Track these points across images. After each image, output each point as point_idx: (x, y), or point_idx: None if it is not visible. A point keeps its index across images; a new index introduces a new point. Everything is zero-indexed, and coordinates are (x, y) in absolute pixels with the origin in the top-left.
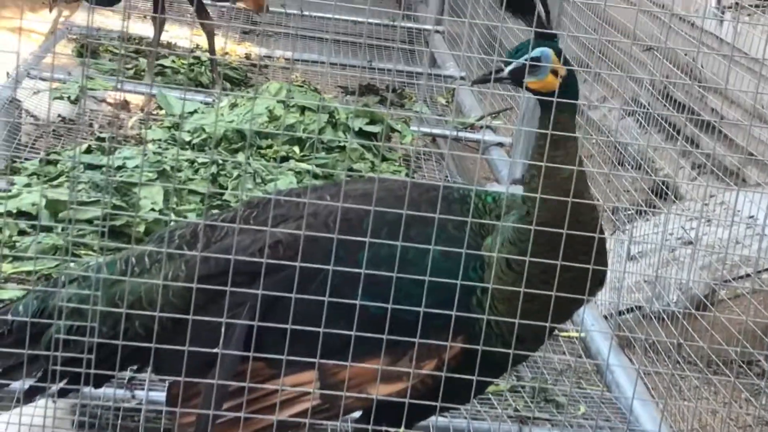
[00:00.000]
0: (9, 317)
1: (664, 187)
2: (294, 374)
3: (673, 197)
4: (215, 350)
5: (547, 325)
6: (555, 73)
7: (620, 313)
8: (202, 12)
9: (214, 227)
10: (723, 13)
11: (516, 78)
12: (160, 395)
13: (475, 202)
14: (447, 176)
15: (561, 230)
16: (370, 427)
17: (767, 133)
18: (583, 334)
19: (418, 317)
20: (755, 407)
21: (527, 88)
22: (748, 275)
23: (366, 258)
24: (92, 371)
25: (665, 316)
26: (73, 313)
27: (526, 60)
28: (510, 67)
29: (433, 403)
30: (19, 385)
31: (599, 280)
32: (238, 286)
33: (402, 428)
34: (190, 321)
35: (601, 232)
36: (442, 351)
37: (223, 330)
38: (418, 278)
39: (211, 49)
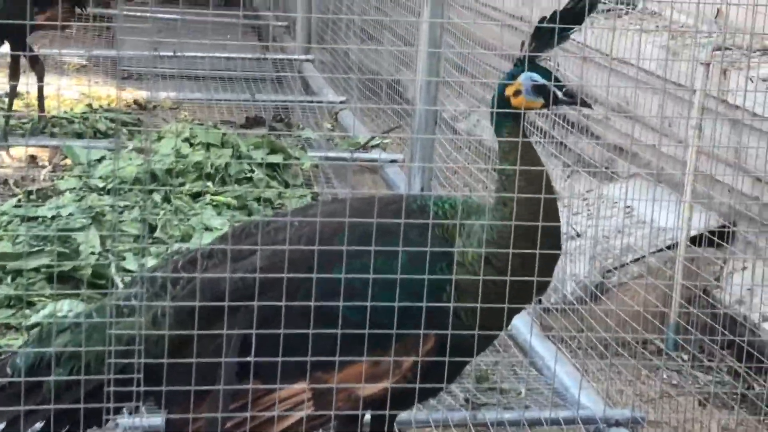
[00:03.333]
0: (8, 370)
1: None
2: (288, 386)
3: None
4: (217, 360)
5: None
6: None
7: None
8: (34, 61)
9: (193, 263)
10: None
11: None
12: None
13: (434, 210)
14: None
15: (536, 223)
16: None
17: (627, 126)
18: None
19: (395, 318)
20: (656, 382)
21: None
22: (635, 260)
23: (341, 271)
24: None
25: (564, 307)
26: (71, 358)
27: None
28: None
29: (418, 386)
30: None
31: (556, 261)
32: (228, 313)
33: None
34: (195, 338)
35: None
36: (418, 345)
37: (225, 345)
38: (390, 285)
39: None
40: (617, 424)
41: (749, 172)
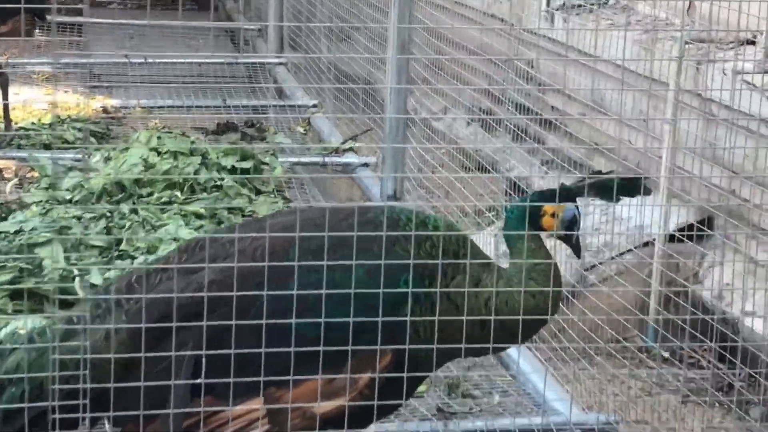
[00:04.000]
0: None
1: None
2: (242, 404)
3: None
4: (167, 382)
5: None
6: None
7: None
8: None
9: (148, 276)
10: (552, 15)
11: None
12: None
13: (414, 224)
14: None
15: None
16: None
17: (606, 125)
18: None
19: (352, 334)
20: (637, 381)
21: None
22: (613, 259)
23: (296, 286)
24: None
25: None
26: (22, 378)
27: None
28: None
29: (374, 403)
30: None
31: None
32: (178, 329)
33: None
34: (143, 361)
35: None
36: (375, 361)
37: (173, 369)
38: (345, 299)
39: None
40: (591, 429)
41: (725, 167)
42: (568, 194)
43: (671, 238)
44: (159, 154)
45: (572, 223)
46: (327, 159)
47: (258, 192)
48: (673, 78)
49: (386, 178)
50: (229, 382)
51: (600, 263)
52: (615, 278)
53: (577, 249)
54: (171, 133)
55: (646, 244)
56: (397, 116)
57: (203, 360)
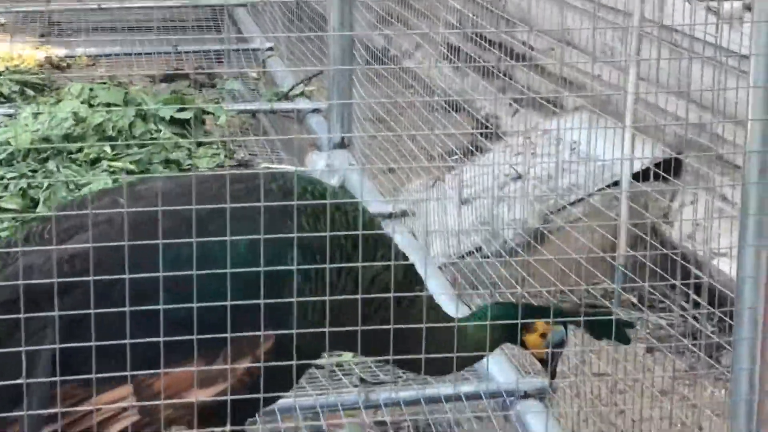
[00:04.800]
0: None
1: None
2: (108, 392)
3: (496, 134)
4: (20, 381)
5: None
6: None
7: (462, 257)
8: None
9: (7, 251)
10: None
11: None
12: None
13: (310, 194)
14: (269, 151)
15: None
16: None
17: (576, 58)
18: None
19: (226, 315)
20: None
21: None
22: (580, 200)
23: (166, 260)
24: None
25: (505, 254)
26: None
27: None
28: None
29: (256, 396)
30: None
31: None
32: (39, 308)
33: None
34: None
35: None
36: (255, 346)
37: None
38: (223, 275)
39: None
40: (525, 396)
41: (693, 100)
42: (559, 315)
43: (640, 177)
44: (91, 106)
45: (557, 346)
46: (276, 105)
47: (199, 144)
48: (636, 8)
49: (334, 124)
50: (93, 368)
51: (569, 204)
52: (583, 219)
53: (553, 371)
54: (105, 84)
55: (616, 184)
56: (341, 67)
57: (65, 343)
